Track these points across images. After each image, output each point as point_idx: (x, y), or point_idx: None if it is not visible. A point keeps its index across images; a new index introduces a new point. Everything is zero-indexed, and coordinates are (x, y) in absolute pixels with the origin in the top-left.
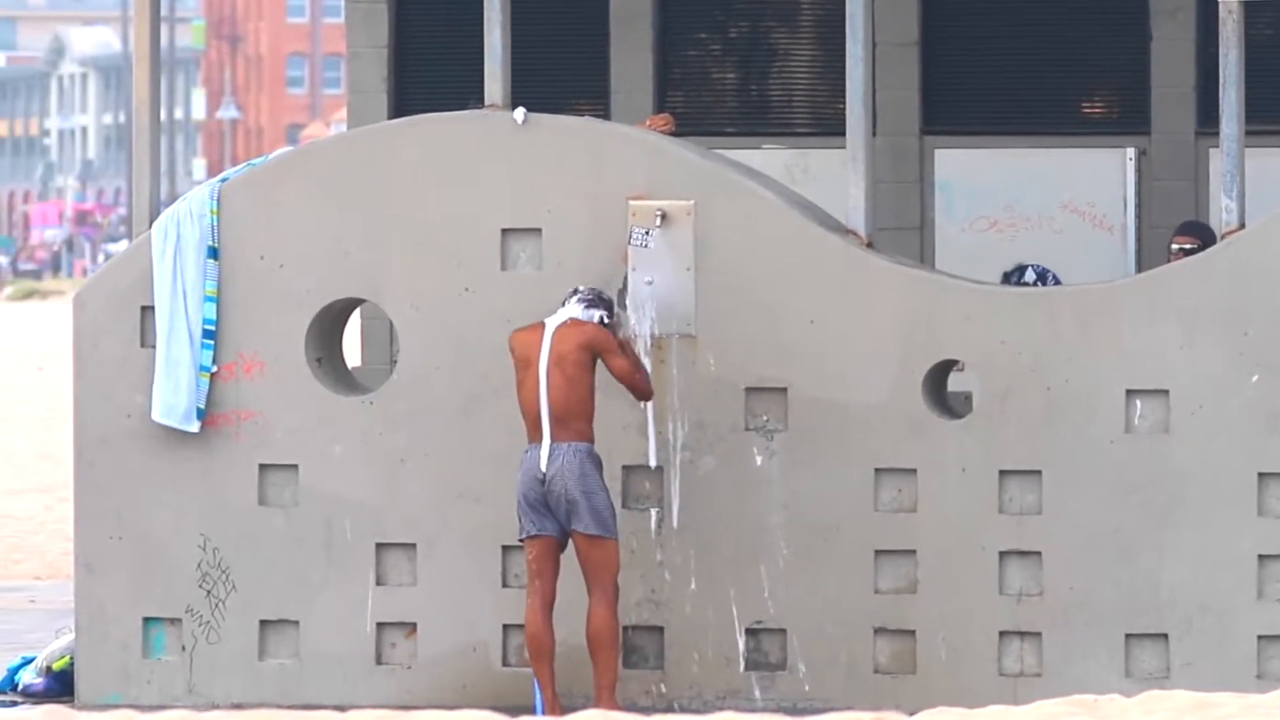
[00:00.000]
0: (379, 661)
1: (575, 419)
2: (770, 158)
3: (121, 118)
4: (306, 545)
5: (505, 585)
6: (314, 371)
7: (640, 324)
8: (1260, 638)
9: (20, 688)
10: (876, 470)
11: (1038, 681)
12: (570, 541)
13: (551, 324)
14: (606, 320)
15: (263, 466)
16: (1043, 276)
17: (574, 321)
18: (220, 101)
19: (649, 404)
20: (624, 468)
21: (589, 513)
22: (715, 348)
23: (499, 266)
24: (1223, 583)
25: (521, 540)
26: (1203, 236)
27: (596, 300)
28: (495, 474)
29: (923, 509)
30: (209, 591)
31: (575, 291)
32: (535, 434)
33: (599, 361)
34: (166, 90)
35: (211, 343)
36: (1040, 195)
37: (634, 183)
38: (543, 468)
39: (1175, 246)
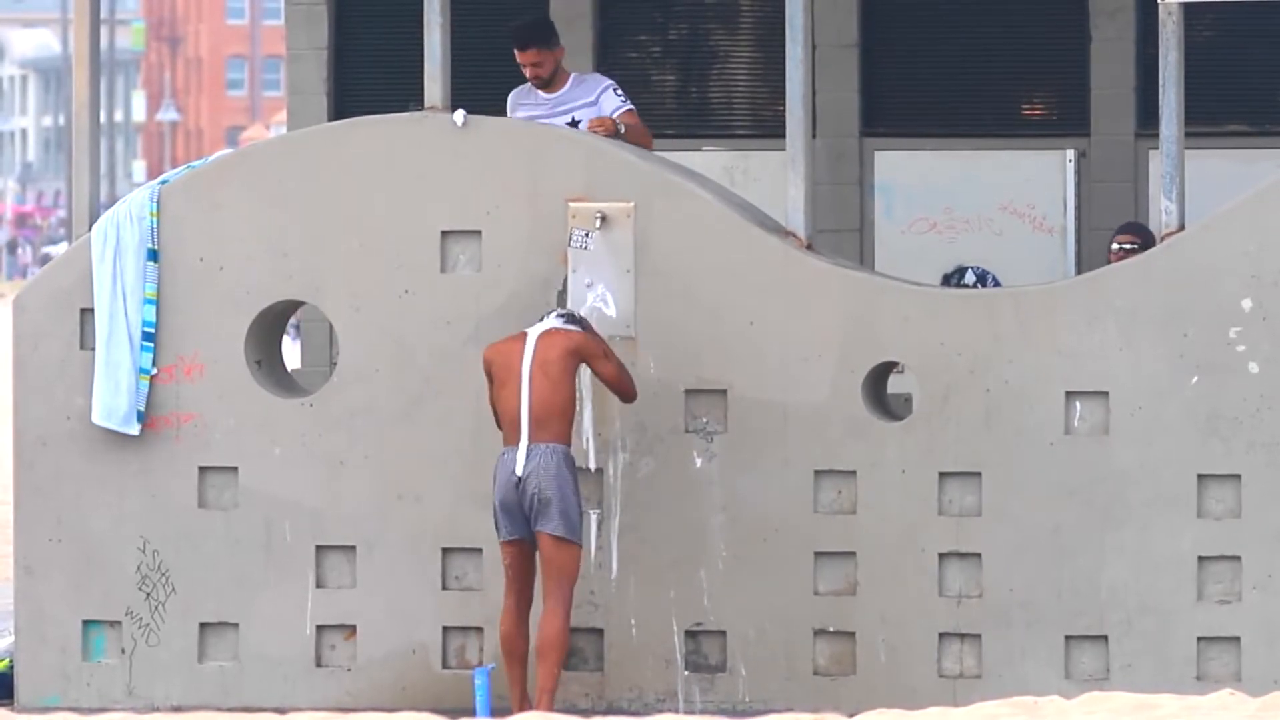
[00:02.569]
0: (319, 663)
1: (556, 421)
2: (710, 159)
3: (61, 120)
4: (246, 547)
5: (445, 587)
6: (254, 374)
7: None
8: (1200, 639)
9: None
10: (816, 472)
11: (977, 683)
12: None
13: (534, 332)
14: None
15: (202, 469)
16: (982, 278)
17: (558, 330)
18: (160, 104)
19: (589, 406)
20: None
21: (559, 514)
22: (655, 349)
23: (439, 268)
24: (1163, 584)
25: (500, 543)
26: (1143, 236)
27: (572, 320)
28: (435, 476)
29: (862, 510)
30: (149, 594)
31: (552, 311)
32: (513, 437)
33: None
34: (106, 92)
35: (151, 345)
36: (980, 197)
37: (573, 185)
38: (518, 470)
39: (1115, 246)
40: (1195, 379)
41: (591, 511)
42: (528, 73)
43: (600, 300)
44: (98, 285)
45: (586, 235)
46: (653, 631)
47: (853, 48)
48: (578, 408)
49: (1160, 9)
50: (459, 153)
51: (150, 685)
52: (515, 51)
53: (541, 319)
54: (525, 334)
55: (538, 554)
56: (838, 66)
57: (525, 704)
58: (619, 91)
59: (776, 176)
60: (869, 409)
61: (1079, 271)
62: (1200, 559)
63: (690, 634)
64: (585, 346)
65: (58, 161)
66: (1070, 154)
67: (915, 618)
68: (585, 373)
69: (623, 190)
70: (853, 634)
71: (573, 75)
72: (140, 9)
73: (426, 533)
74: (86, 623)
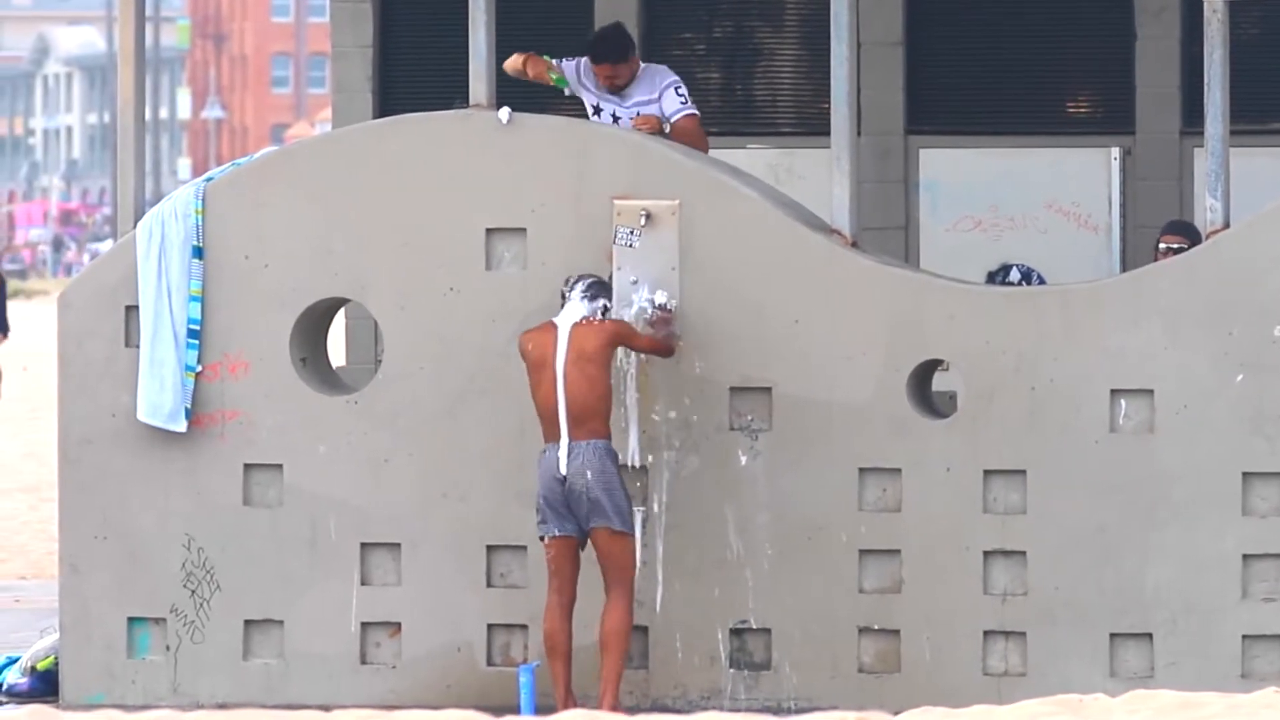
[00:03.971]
0: (363, 661)
1: (593, 418)
2: (755, 157)
3: (106, 117)
4: (291, 545)
5: (490, 585)
6: (298, 371)
7: None
8: (1245, 637)
9: (5, 688)
10: (861, 470)
11: (1022, 681)
12: (590, 540)
13: (564, 323)
14: (608, 306)
15: (247, 466)
16: (1027, 276)
17: (589, 321)
18: (205, 101)
19: (635, 404)
20: None
21: (612, 509)
22: (700, 347)
23: (484, 266)
24: (1207, 582)
25: (541, 540)
26: (1190, 236)
27: (597, 288)
28: (479, 474)
29: (907, 509)
30: (194, 591)
31: (573, 284)
32: (552, 433)
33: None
34: (151, 90)
35: (197, 342)
36: (1025, 195)
37: (619, 182)
38: (561, 469)
39: (1163, 246)
40: (1240, 377)
41: (637, 509)
42: (604, 83)
43: (646, 299)
44: (143, 282)
45: (632, 233)
46: (697, 629)
47: (898, 45)
48: (625, 410)
49: (1205, 7)
50: (504, 150)
51: (195, 682)
52: (590, 62)
53: (564, 297)
54: (555, 325)
55: (593, 549)
56: (883, 64)
57: (570, 701)
58: (681, 91)
59: (821, 174)
60: (914, 407)
61: (1124, 270)
62: (1245, 557)
63: (735, 632)
64: (619, 334)
65: (103, 159)
66: (1115, 152)
67: (960, 616)
68: (631, 379)
69: (668, 188)
70: (897, 632)
71: (640, 68)
72: (185, 7)
73: (471, 530)
74: (131, 620)
